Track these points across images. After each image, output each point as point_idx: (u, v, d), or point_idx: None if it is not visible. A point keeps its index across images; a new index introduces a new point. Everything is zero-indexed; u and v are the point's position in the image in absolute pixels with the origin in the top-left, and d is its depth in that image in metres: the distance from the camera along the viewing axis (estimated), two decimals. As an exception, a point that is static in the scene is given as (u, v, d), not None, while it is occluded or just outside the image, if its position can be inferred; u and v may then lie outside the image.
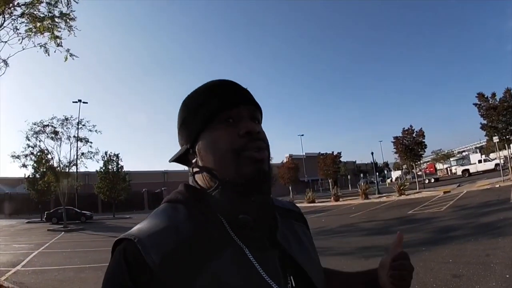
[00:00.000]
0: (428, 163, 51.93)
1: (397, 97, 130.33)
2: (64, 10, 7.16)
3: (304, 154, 64.51)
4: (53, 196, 30.41)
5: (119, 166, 37.76)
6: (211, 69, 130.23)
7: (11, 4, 6.54)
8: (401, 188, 24.01)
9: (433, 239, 8.24)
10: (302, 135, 67.06)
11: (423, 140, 26.71)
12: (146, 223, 0.67)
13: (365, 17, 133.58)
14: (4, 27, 6.76)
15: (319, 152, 49.31)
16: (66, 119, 25.14)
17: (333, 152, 45.54)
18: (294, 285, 0.69)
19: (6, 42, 6.96)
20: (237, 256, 0.64)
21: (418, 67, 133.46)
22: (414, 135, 26.94)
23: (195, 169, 0.74)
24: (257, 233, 0.68)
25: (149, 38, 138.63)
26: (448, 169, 51.03)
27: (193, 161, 0.75)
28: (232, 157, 0.68)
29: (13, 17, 6.73)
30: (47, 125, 24.43)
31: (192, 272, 0.59)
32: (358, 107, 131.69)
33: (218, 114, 0.71)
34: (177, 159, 0.79)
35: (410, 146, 26.87)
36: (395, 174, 56.26)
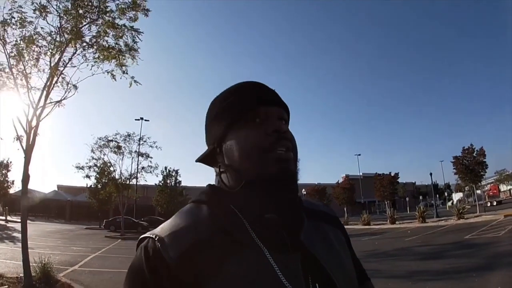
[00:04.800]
0: (491, 185, 48.12)
1: (458, 114, 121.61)
2: (129, 42, 8.04)
3: (361, 174, 61.15)
4: (112, 206, 32.22)
5: (177, 181, 38.42)
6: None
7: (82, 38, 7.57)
8: (460, 211, 22.63)
9: (485, 265, 7.87)
10: (359, 154, 63.60)
11: (484, 160, 25.04)
12: (168, 223, 0.70)
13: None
14: (77, 54, 7.81)
15: (376, 173, 47.50)
16: (129, 135, 26.59)
17: (390, 172, 43.64)
18: None
19: (77, 68, 8.00)
20: (255, 257, 0.63)
21: (480, 82, 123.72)
22: (474, 154, 25.33)
23: (222, 169, 0.75)
24: (279, 234, 0.67)
25: (208, 59, 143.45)
26: (512, 191, 47.04)
27: (220, 160, 0.75)
28: (259, 156, 0.69)
29: (83, 46, 7.75)
30: (111, 140, 25.98)
31: (208, 270, 0.60)
32: (419, 125, 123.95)
33: (246, 112, 0.72)
34: (203, 159, 0.80)
35: (470, 166, 25.31)
36: (457, 196, 52.47)
